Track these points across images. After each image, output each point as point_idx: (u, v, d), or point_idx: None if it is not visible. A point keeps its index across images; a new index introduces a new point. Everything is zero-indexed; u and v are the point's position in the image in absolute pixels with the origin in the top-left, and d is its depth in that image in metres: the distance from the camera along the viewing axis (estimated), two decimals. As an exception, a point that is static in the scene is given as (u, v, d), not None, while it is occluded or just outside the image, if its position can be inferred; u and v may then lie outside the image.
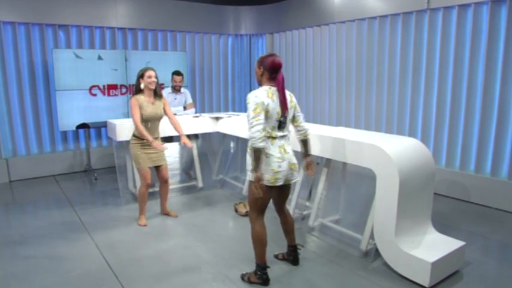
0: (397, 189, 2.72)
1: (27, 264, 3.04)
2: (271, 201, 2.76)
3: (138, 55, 5.93)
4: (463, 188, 4.51)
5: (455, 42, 4.45)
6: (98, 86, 5.63)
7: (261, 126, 2.44)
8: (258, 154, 2.46)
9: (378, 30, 5.27)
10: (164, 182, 3.93)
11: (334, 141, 3.23)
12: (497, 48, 4.15)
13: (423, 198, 2.97)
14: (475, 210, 4.25)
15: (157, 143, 3.59)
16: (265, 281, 2.68)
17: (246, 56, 7.61)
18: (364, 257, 3.10)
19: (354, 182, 3.68)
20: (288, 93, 2.66)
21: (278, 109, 2.54)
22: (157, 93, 3.73)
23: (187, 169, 5.21)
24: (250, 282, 2.72)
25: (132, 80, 4.90)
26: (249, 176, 2.61)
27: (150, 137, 3.56)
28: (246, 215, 4.01)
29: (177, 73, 5.09)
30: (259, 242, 2.66)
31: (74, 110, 5.48)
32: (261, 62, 2.59)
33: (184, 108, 5.20)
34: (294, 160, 2.69)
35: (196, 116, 4.88)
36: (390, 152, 2.79)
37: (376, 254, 3.01)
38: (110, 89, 5.73)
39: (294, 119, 2.75)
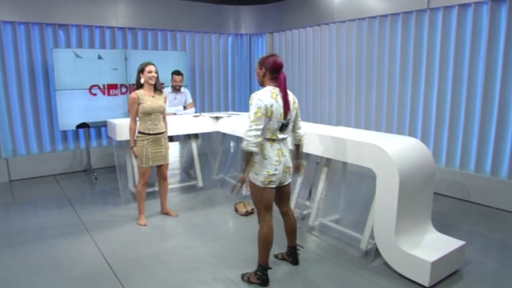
0: (397, 189, 2.72)
1: (27, 264, 3.04)
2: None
3: (138, 55, 5.93)
4: (463, 188, 4.51)
5: (455, 41, 4.45)
6: (97, 86, 5.63)
7: (259, 132, 2.43)
8: (249, 157, 2.47)
9: (378, 30, 5.27)
10: (163, 179, 3.94)
11: (334, 140, 3.23)
12: (497, 48, 4.15)
13: (423, 198, 2.97)
14: (475, 210, 4.25)
15: (135, 151, 3.66)
16: (265, 281, 2.68)
17: (246, 55, 7.61)
18: (364, 257, 3.10)
19: (354, 182, 3.68)
20: (291, 95, 2.64)
21: (281, 110, 2.52)
22: (157, 88, 3.72)
23: (187, 169, 5.21)
24: (250, 282, 2.72)
25: (132, 80, 4.90)
26: (250, 177, 2.60)
27: (132, 141, 3.65)
28: (246, 214, 4.02)
29: (177, 73, 5.09)
30: (265, 243, 2.65)
31: (74, 109, 5.47)
32: (263, 62, 2.58)
33: (184, 107, 5.20)
34: (289, 163, 2.69)
35: (196, 116, 4.87)
36: (390, 151, 2.79)
37: (376, 253, 3.01)
38: (110, 88, 5.72)
39: (293, 124, 2.74)
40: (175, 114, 5.02)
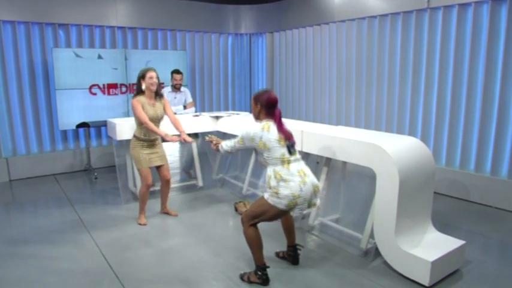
0: (397, 188, 2.72)
1: (27, 264, 3.04)
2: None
3: (138, 54, 5.93)
4: (463, 187, 4.51)
5: (455, 41, 4.44)
6: (97, 85, 5.62)
7: (234, 150, 2.79)
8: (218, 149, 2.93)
9: (378, 29, 5.26)
10: (166, 182, 3.94)
11: (334, 140, 3.23)
12: (497, 48, 4.15)
13: (423, 197, 2.97)
14: (475, 209, 4.25)
15: (172, 137, 3.64)
16: (265, 281, 2.68)
17: (246, 55, 7.61)
18: (364, 256, 3.10)
19: (353, 181, 3.68)
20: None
21: (277, 136, 2.56)
22: (158, 94, 3.73)
23: (187, 168, 5.21)
24: (250, 281, 2.72)
25: (132, 79, 4.90)
26: (266, 194, 2.57)
27: (162, 133, 3.63)
28: (246, 214, 4.01)
29: (176, 71, 5.09)
30: (256, 245, 2.65)
31: (74, 109, 5.47)
32: (257, 98, 2.65)
33: (184, 107, 5.20)
34: (316, 181, 2.65)
35: (196, 115, 4.87)
36: (390, 151, 2.79)
37: (376, 253, 3.02)
38: (110, 88, 5.72)
39: None
40: (175, 113, 5.01)
